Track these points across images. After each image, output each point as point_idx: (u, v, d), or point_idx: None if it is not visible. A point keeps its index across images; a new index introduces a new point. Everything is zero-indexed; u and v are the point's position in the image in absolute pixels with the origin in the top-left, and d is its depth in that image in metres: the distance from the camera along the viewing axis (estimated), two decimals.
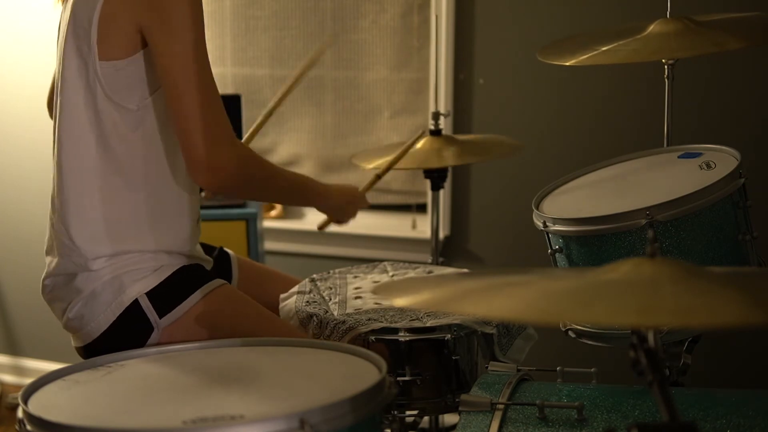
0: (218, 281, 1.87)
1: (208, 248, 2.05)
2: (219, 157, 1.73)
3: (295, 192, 2.01)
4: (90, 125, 1.77)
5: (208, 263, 1.97)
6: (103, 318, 1.78)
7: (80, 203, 1.79)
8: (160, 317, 1.78)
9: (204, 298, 1.82)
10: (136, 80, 1.76)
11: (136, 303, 1.78)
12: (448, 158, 2.52)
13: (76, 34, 1.76)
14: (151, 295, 1.78)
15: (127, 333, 1.78)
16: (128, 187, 1.79)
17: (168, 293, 1.80)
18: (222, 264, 2.08)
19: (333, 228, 3.47)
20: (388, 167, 2.37)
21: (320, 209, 2.12)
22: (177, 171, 1.83)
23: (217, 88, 1.78)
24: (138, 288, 1.78)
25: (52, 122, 1.86)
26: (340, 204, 2.12)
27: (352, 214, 2.18)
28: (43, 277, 1.85)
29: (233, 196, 2.82)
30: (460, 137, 2.68)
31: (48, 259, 1.85)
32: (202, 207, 1.97)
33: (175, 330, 1.79)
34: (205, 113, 1.72)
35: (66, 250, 1.80)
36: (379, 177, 2.34)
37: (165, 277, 1.80)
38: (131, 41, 1.74)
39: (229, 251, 2.13)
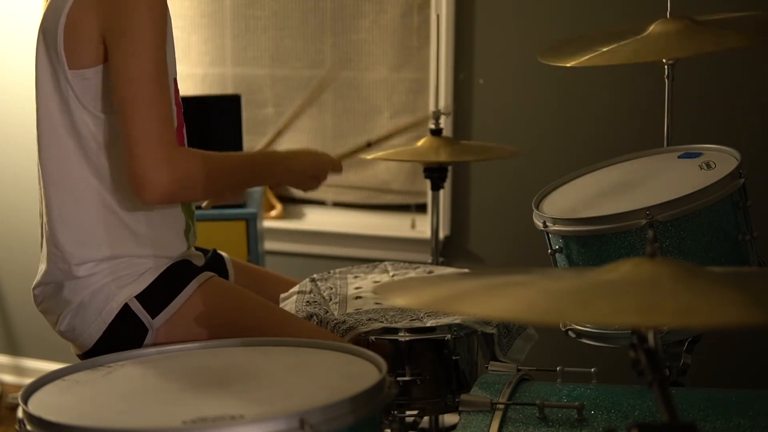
0: (207, 274, 1.86)
1: (200, 251, 2.02)
2: (154, 178, 1.66)
3: (252, 179, 2.01)
4: (67, 132, 1.75)
5: (198, 258, 1.95)
6: (95, 327, 1.77)
7: (64, 208, 1.77)
8: (153, 317, 1.77)
9: (195, 292, 1.81)
10: (108, 90, 1.72)
11: (126, 307, 1.76)
12: (447, 156, 2.51)
13: (46, 42, 1.75)
14: (140, 297, 1.77)
15: (121, 338, 1.77)
16: (112, 191, 1.77)
17: (158, 293, 1.78)
18: (217, 266, 2.07)
19: (333, 228, 3.47)
20: (382, 139, 2.38)
21: (286, 184, 2.16)
22: None
23: (169, 102, 1.70)
24: (127, 292, 1.77)
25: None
26: (302, 177, 2.02)
27: (314, 186, 2.05)
28: (33, 285, 1.84)
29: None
30: (462, 142, 2.68)
31: (40, 266, 1.84)
32: (200, 207, 1.96)
33: (170, 328, 1.78)
34: (146, 129, 1.66)
35: (51, 257, 1.79)
36: (369, 145, 2.34)
37: (154, 278, 1.79)
38: (97, 50, 1.71)
39: (223, 253, 2.11)
